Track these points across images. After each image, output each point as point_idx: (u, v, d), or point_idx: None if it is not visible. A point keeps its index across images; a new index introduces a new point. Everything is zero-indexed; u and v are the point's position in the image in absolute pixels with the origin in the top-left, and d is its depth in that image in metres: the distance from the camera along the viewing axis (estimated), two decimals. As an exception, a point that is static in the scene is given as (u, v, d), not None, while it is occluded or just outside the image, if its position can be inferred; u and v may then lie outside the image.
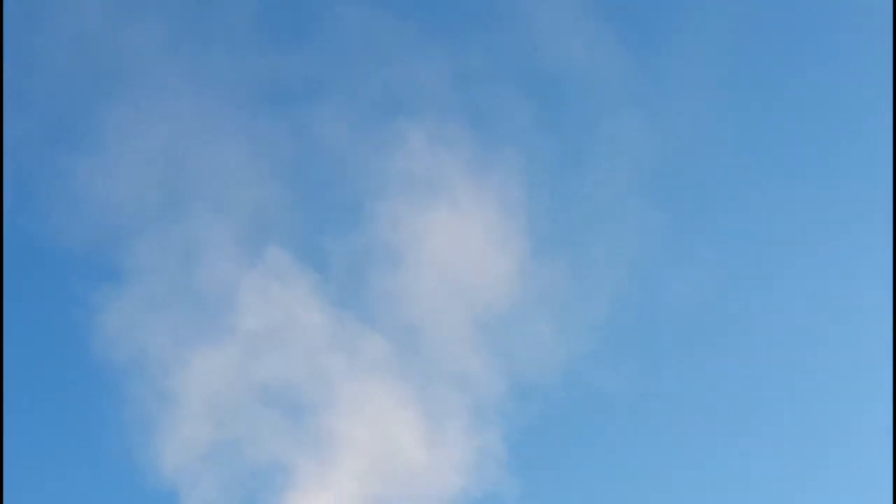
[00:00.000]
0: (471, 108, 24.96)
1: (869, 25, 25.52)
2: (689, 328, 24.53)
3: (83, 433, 23.84)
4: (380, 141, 24.77)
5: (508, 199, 24.56)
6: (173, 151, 24.51)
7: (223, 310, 23.79)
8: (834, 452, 23.83)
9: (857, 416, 23.91)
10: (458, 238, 24.31)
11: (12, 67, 24.24)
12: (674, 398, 24.11)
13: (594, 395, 23.79)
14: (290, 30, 25.28)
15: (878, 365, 23.64)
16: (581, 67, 25.17)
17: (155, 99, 24.72)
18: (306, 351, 23.66)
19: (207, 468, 23.02)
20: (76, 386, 24.07)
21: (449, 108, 24.90)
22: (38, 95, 24.35)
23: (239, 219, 24.34)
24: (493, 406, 23.39)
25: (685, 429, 24.00)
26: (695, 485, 23.64)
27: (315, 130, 24.74)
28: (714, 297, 24.50)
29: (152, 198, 24.27)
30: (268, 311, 23.84)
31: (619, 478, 23.80)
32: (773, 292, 24.87)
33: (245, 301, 23.87)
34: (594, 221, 24.73)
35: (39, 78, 24.42)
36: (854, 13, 25.76)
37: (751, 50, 25.98)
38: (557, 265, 24.29)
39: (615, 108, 25.18)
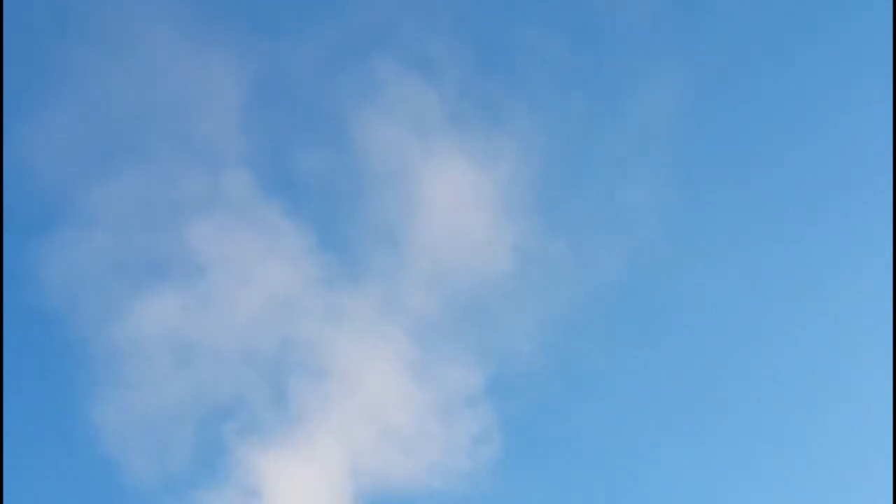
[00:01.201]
0: (478, 44, 23.85)
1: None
2: (688, 317, 23.86)
3: (36, 390, 22.97)
4: (367, 77, 23.59)
5: (510, 151, 23.40)
6: (131, 87, 23.56)
7: (184, 254, 22.83)
8: (832, 448, 23.28)
9: (856, 414, 23.36)
10: (451, 188, 23.17)
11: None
12: (670, 388, 23.48)
13: (586, 376, 23.31)
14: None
15: (879, 362, 23.09)
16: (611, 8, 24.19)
17: (113, 35, 23.68)
18: (276, 299, 22.68)
19: (169, 423, 22.09)
20: (28, 344, 23.09)
21: (452, 42, 23.71)
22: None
23: (204, 157, 23.23)
24: (477, 373, 22.68)
25: (679, 419, 23.42)
26: (688, 477, 23.15)
27: (291, 66, 23.64)
28: (716, 289, 23.82)
29: (107, 137, 23.26)
30: (233, 253, 22.80)
31: (608, 456, 23.35)
32: (779, 285, 24.12)
33: (207, 245, 22.84)
34: (603, 192, 23.82)
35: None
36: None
37: (796, 18, 25.01)
38: (557, 237, 23.40)
39: (643, 57, 24.21)
